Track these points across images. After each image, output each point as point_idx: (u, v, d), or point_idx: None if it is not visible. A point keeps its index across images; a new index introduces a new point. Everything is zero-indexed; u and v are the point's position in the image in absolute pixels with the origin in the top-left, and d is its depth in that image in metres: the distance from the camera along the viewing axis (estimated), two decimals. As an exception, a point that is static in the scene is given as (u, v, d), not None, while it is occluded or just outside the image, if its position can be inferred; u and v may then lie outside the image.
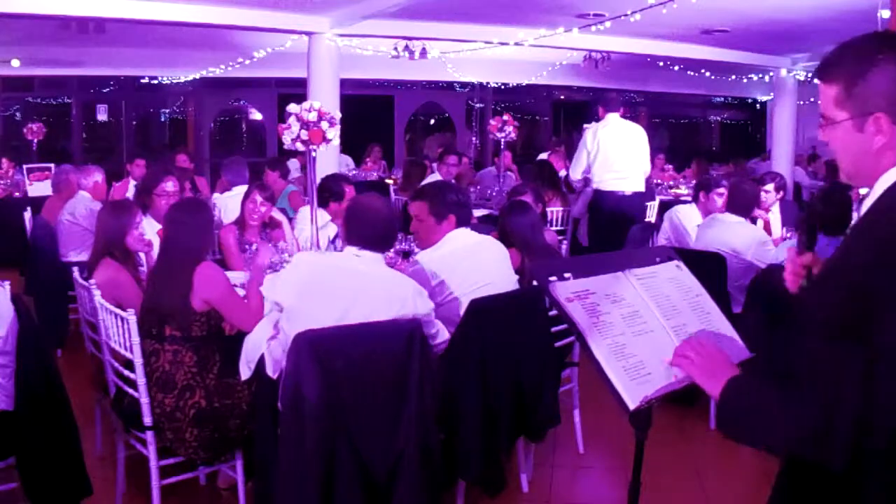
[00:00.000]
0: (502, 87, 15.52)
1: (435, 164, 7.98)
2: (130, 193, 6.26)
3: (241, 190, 5.24)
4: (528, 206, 4.18)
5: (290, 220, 4.99)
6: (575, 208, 7.43)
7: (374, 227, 2.86)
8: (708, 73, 13.38)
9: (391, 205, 3.11)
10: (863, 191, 1.45)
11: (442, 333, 2.98)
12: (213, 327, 3.08)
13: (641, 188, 6.81)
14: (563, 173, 8.15)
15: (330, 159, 7.75)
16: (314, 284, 2.80)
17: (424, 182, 6.49)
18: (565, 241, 6.79)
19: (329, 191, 4.87)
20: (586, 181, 6.86)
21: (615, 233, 6.08)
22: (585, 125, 10.67)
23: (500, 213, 4.28)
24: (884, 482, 1.27)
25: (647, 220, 6.88)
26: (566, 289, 1.50)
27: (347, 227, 2.93)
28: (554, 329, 3.36)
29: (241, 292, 3.44)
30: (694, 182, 7.75)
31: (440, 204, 3.38)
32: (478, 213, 6.27)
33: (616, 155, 6.60)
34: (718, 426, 1.42)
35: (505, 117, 8.35)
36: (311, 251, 3.09)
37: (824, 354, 1.25)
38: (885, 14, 5.70)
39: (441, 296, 3.23)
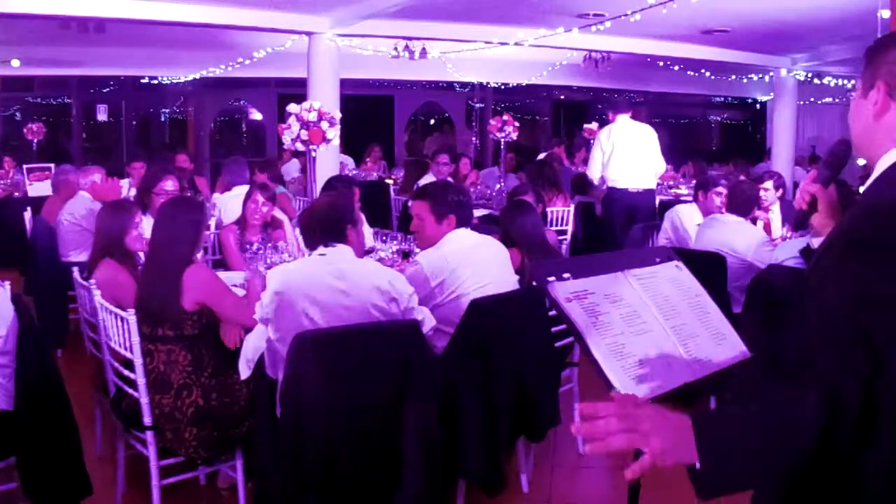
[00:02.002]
0: (502, 87, 15.52)
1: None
2: (126, 194, 6.25)
3: (241, 190, 5.23)
4: (529, 205, 4.19)
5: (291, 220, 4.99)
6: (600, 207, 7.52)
7: (317, 219, 2.94)
8: (708, 73, 13.39)
9: (329, 199, 3.22)
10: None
11: (428, 321, 2.98)
12: (205, 325, 3.07)
13: (652, 185, 6.99)
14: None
15: (330, 159, 7.75)
16: (292, 294, 2.81)
17: (421, 182, 6.51)
18: (565, 241, 6.81)
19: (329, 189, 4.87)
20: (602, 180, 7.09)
21: (626, 228, 6.35)
22: (586, 125, 10.72)
23: (502, 214, 4.29)
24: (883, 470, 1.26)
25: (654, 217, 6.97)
26: (565, 289, 1.50)
27: (303, 235, 3.05)
28: (554, 329, 3.36)
29: (241, 292, 3.44)
30: (693, 182, 7.77)
31: (441, 203, 3.39)
32: (478, 213, 6.27)
33: (627, 155, 6.83)
34: (709, 490, 1.26)
35: (505, 117, 8.36)
36: (280, 265, 3.16)
37: (822, 346, 1.25)
38: (886, 14, 5.69)
39: (441, 296, 3.23)
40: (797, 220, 1.79)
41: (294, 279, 2.87)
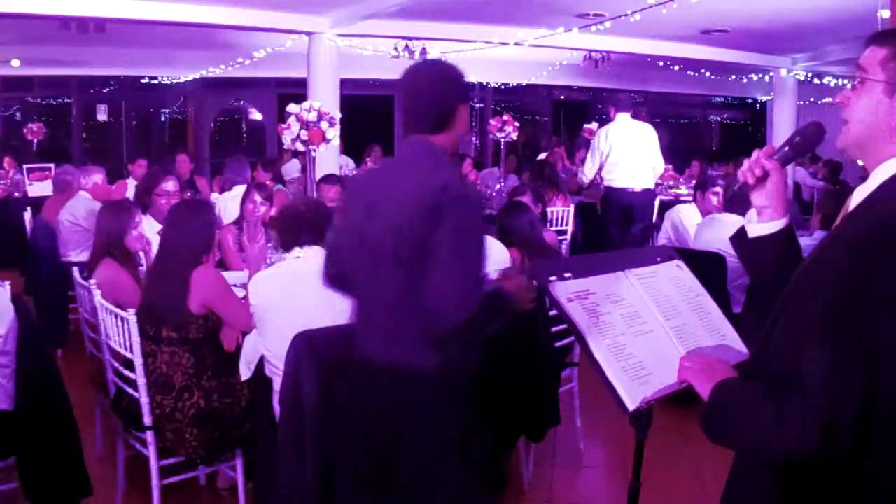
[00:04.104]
0: (502, 87, 15.51)
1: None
2: (130, 193, 6.25)
3: (240, 189, 5.22)
4: (524, 205, 4.18)
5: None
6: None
7: (303, 219, 2.93)
8: (708, 73, 13.38)
9: (314, 201, 3.23)
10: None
11: None
12: (210, 329, 3.07)
13: (651, 185, 6.95)
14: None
15: (330, 159, 7.74)
16: (269, 299, 2.84)
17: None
18: (565, 241, 6.81)
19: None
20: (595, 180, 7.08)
21: (625, 228, 6.45)
22: (586, 125, 10.75)
23: (498, 214, 4.29)
24: (883, 471, 1.26)
25: (651, 218, 6.97)
26: (566, 289, 1.50)
27: (280, 236, 3.05)
28: (554, 329, 3.36)
29: (241, 292, 3.44)
30: (694, 182, 7.77)
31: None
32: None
33: (626, 154, 6.79)
34: (702, 425, 1.38)
35: (505, 117, 8.36)
36: (256, 275, 3.18)
37: (822, 356, 1.23)
38: (885, 14, 5.69)
39: (441, 296, 3.22)
40: (733, 194, 1.65)
41: (269, 287, 2.88)
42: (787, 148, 1.57)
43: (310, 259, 2.87)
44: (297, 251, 2.90)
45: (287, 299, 2.81)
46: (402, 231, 1.98)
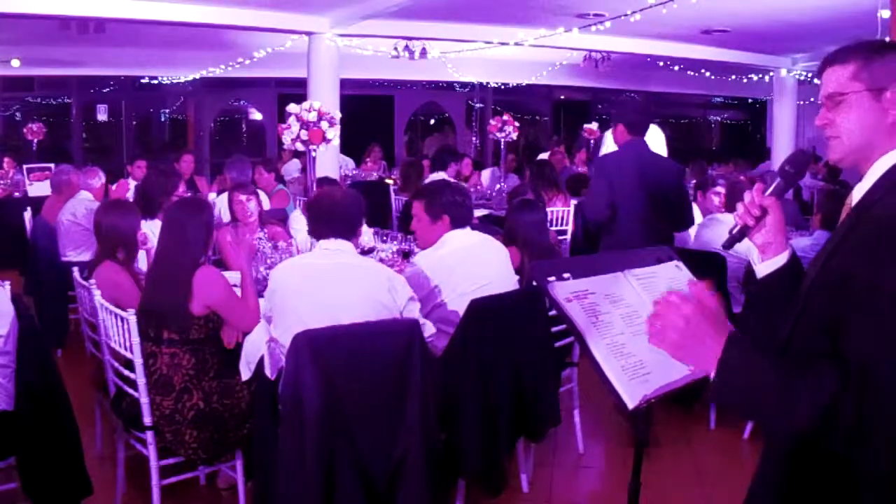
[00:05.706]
0: (502, 87, 15.52)
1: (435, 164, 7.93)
2: (131, 195, 6.25)
3: (240, 189, 5.21)
4: (536, 204, 4.19)
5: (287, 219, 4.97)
6: None
7: (332, 214, 2.92)
8: (708, 73, 13.39)
9: (351, 193, 3.17)
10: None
11: (428, 328, 2.98)
12: (211, 330, 3.06)
13: None
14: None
15: (330, 159, 7.75)
16: (292, 287, 2.84)
17: (426, 181, 6.50)
18: (565, 241, 6.80)
19: None
20: None
21: None
22: (586, 125, 10.72)
23: (509, 210, 4.31)
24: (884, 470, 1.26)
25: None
26: (565, 289, 1.50)
27: (311, 223, 3.03)
28: (554, 329, 3.36)
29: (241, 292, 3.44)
30: (693, 182, 7.76)
31: (434, 204, 3.38)
32: (478, 213, 6.27)
33: None
34: (717, 399, 1.35)
35: (505, 117, 8.36)
36: (284, 261, 3.15)
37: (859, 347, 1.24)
38: (885, 14, 5.70)
39: (440, 296, 3.23)
40: (732, 239, 1.62)
41: (293, 276, 2.88)
42: (779, 181, 1.61)
43: (338, 252, 2.89)
44: (325, 243, 2.91)
45: (308, 290, 2.81)
46: (664, 190, 3.96)
